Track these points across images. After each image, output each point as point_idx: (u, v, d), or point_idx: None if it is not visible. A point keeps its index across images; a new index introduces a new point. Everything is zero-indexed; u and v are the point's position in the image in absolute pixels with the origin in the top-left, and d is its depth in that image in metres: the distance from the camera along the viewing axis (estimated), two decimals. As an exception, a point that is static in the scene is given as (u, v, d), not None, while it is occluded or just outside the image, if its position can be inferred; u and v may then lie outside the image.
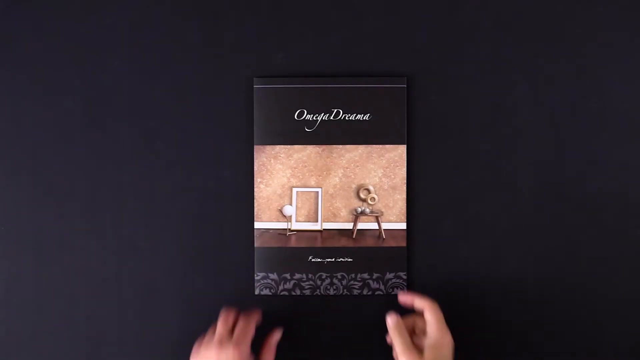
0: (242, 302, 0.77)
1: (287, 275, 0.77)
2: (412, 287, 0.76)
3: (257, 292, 0.77)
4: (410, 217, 0.77)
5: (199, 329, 0.76)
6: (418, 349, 0.70)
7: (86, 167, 0.77)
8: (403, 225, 0.77)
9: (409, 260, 0.77)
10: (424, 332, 0.72)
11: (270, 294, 0.77)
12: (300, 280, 0.77)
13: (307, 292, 0.77)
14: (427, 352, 0.69)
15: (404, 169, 0.77)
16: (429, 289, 0.77)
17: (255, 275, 0.77)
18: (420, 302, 0.73)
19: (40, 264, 0.77)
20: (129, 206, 0.77)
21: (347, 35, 0.77)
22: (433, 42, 0.77)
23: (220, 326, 0.73)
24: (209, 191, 0.77)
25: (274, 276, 0.77)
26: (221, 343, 0.70)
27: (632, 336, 0.78)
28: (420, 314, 0.73)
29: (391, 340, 0.72)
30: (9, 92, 0.77)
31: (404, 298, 0.75)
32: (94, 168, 0.77)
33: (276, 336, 0.76)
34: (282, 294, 0.77)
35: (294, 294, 0.77)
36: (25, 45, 0.77)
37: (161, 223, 0.77)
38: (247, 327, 0.73)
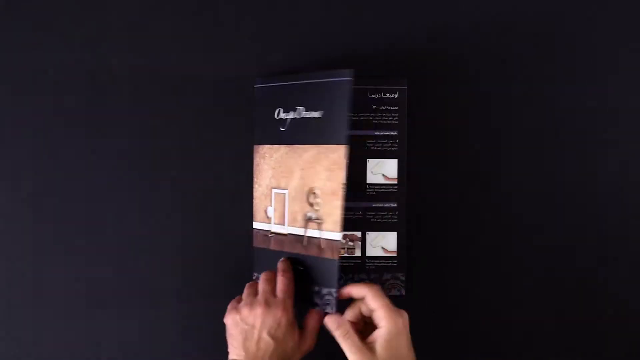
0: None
1: None
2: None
3: None
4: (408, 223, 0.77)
5: (199, 329, 0.77)
6: (369, 345, 0.64)
7: (86, 167, 0.77)
8: (337, 236, 0.69)
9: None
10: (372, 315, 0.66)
11: None
12: None
13: None
14: (381, 349, 0.63)
15: (343, 173, 0.69)
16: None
17: (253, 275, 0.77)
18: (358, 290, 0.67)
19: (40, 264, 0.77)
20: (128, 206, 0.77)
21: (345, 34, 0.77)
22: (432, 42, 0.77)
23: (265, 285, 0.69)
24: (209, 191, 0.77)
25: None
26: (267, 303, 0.66)
27: (632, 337, 0.78)
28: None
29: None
30: (9, 92, 0.77)
31: (341, 293, 0.68)
32: (93, 168, 0.77)
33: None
34: None
35: None
36: (26, 45, 0.77)
37: (161, 223, 0.77)
38: (290, 288, 0.69)
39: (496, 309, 0.78)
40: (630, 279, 0.78)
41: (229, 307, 0.69)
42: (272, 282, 0.70)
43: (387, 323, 0.64)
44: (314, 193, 0.71)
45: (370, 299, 0.65)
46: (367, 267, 0.77)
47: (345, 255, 0.77)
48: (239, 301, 0.70)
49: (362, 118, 0.76)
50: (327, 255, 0.70)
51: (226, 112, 0.77)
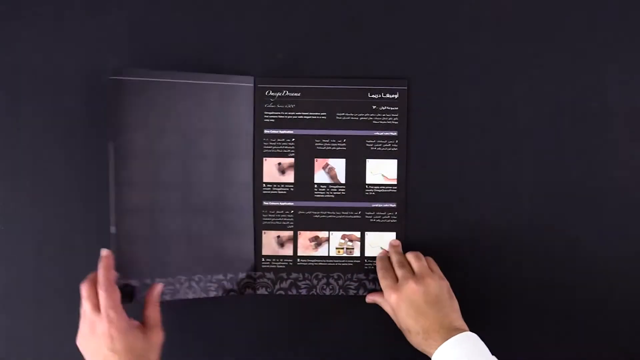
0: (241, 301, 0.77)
1: (284, 275, 0.77)
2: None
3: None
4: (407, 218, 0.77)
5: (201, 328, 0.77)
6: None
7: (86, 167, 0.77)
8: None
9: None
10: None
11: (266, 293, 0.77)
12: (296, 279, 0.77)
13: (304, 291, 0.77)
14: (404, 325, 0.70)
15: None
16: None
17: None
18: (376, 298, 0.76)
19: (40, 264, 0.77)
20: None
21: (345, 35, 0.77)
22: (432, 42, 0.77)
23: (86, 303, 0.67)
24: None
25: (270, 275, 0.77)
26: (92, 325, 0.65)
27: (631, 336, 0.78)
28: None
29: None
30: (9, 92, 0.77)
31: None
32: (94, 168, 0.76)
33: (157, 289, 0.71)
34: (278, 293, 0.77)
35: (290, 293, 0.77)
36: (25, 45, 0.77)
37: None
38: (111, 298, 0.66)
39: (495, 309, 0.78)
40: (630, 279, 0.78)
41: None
42: (92, 297, 0.67)
43: (387, 302, 0.73)
44: None
45: (383, 305, 0.75)
46: (365, 267, 0.77)
47: (345, 255, 0.77)
48: None
49: (362, 118, 0.76)
50: None
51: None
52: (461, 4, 0.77)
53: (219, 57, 0.77)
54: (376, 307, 0.76)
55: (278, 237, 0.77)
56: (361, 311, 0.77)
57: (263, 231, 0.77)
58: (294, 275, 0.77)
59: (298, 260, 0.77)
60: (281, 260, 0.77)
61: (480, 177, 0.77)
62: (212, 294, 0.76)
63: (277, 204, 0.77)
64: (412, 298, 0.69)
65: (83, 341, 0.67)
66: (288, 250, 0.77)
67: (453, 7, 0.77)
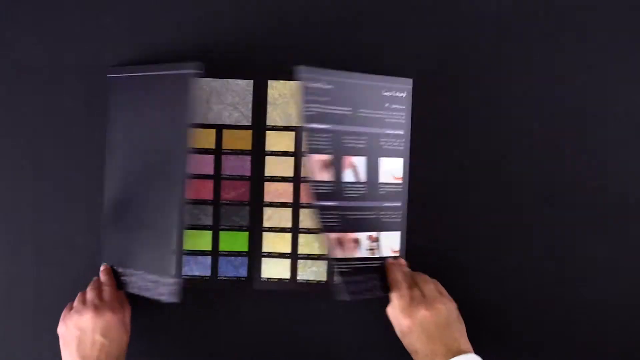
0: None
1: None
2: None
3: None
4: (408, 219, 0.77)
5: (203, 327, 0.76)
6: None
7: (86, 167, 0.76)
8: None
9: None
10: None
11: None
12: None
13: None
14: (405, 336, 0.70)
15: None
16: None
17: None
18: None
19: (40, 264, 0.76)
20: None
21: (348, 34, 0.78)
22: (434, 42, 0.78)
23: (92, 292, 0.72)
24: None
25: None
26: (96, 307, 0.70)
27: (631, 336, 0.79)
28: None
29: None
30: (9, 92, 0.76)
31: None
32: (94, 167, 0.76)
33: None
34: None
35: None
36: (25, 45, 0.76)
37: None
38: (116, 293, 0.73)
39: (494, 308, 0.78)
40: (630, 279, 0.79)
41: (61, 316, 0.72)
42: (99, 289, 0.73)
43: (397, 323, 0.71)
44: None
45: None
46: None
47: (371, 256, 0.75)
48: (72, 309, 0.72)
49: (377, 115, 0.75)
50: None
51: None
52: (463, 4, 0.78)
53: (219, 57, 0.77)
54: (377, 308, 0.75)
55: (328, 239, 0.73)
56: (362, 311, 0.77)
57: (322, 233, 0.73)
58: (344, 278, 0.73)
59: (343, 262, 0.73)
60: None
61: (482, 177, 0.78)
62: (146, 294, 0.73)
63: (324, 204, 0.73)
64: (424, 324, 0.69)
65: (73, 324, 0.69)
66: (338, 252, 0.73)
67: (455, 8, 0.78)
